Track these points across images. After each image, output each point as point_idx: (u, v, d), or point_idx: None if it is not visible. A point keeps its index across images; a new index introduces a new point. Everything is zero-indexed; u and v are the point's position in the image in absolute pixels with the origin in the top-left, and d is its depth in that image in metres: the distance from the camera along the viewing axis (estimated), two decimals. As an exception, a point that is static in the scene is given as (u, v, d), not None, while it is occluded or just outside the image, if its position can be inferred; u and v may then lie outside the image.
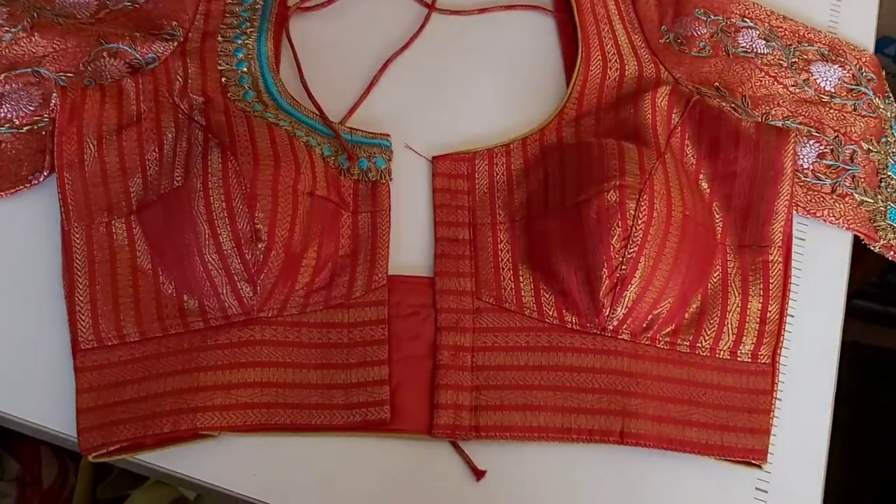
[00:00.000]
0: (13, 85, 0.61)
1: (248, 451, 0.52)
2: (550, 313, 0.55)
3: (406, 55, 0.67)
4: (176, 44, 0.63)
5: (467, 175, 0.60)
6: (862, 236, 0.62)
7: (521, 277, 0.56)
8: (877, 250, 0.62)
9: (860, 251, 0.63)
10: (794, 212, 0.61)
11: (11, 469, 0.88)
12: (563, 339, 0.54)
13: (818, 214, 0.61)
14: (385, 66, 0.66)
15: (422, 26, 0.68)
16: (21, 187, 0.58)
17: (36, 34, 0.62)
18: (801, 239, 0.61)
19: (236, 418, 0.51)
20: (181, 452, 0.52)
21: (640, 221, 0.52)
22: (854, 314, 1.16)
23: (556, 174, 0.58)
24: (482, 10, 0.69)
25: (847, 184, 0.63)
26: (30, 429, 0.54)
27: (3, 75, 0.61)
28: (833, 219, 0.61)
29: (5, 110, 0.60)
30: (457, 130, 0.63)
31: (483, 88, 0.66)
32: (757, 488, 0.54)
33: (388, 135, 0.61)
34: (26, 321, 0.55)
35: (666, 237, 0.53)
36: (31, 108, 0.60)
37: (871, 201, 0.63)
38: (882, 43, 1.03)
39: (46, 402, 0.53)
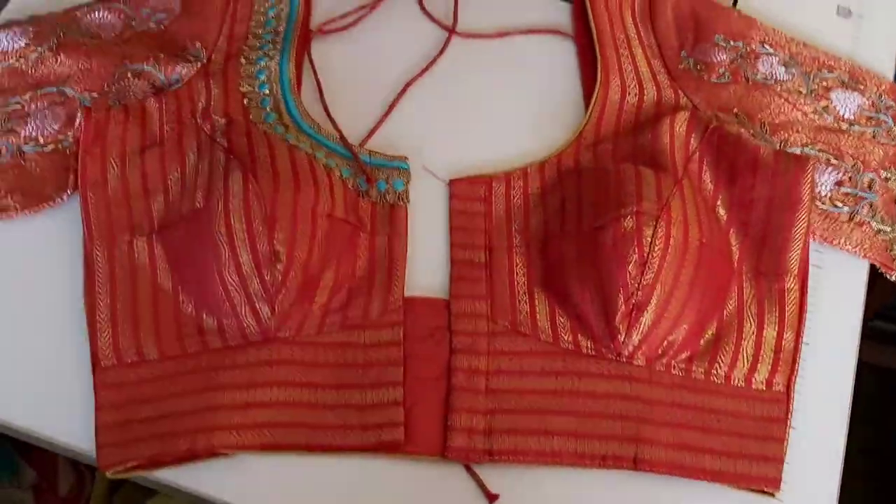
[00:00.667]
0: (39, 104, 0.62)
1: (264, 470, 0.53)
2: (566, 338, 0.55)
3: (426, 78, 0.67)
4: (199, 65, 0.64)
5: (484, 198, 0.61)
6: (879, 265, 0.62)
7: (536, 301, 0.56)
8: (893, 279, 0.62)
9: (878, 273, 0.63)
10: (812, 239, 0.61)
11: (28, 477, 0.89)
12: (578, 364, 0.54)
13: (835, 242, 0.61)
14: (405, 89, 0.66)
15: (442, 50, 0.69)
16: (45, 205, 0.59)
17: (62, 54, 0.63)
18: (818, 266, 0.61)
19: (253, 438, 0.52)
20: (197, 470, 0.52)
21: (656, 248, 0.53)
22: (873, 336, 1.16)
23: (574, 199, 0.58)
24: (502, 34, 0.70)
25: (864, 212, 0.63)
26: (49, 444, 0.54)
27: (28, 94, 0.62)
28: (850, 247, 0.61)
29: (31, 129, 0.61)
30: (475, 154, 0.64)
31: (502, 112, 0.66)
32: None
33: (406, 157, 0.62)
34: (48, 338, 0.56)
35: (682, 264, 0.53)
36: (56, 127, 0.61)
37: (889, 230, 0.62)
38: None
39: (66, 418, 0.53)
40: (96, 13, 0.67)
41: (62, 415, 0.53)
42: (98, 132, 0.59)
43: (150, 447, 0.51)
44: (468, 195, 0.61)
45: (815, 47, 0.70)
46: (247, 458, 0.52)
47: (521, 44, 0.70)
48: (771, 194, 0.59)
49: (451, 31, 0.70)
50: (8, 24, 0.65)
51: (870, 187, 0.64)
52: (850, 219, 0.62)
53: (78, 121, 0.59)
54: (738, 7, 0.73)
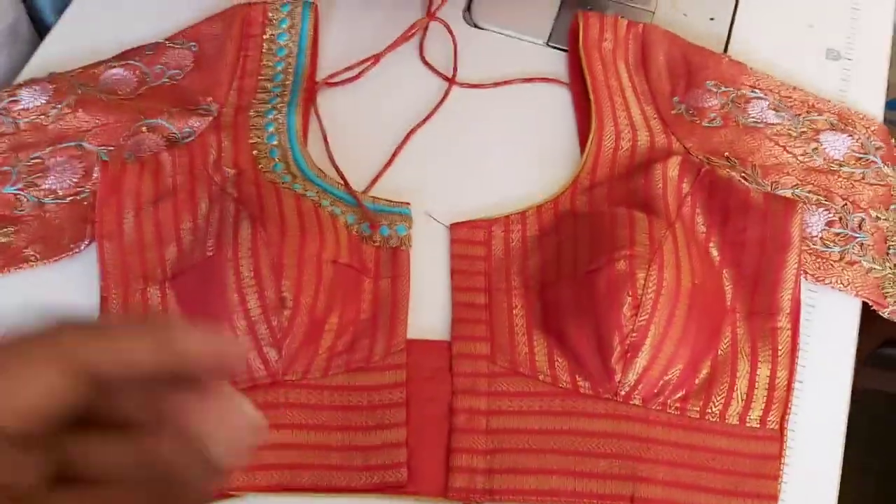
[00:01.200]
0: (58, 158, 0.65)
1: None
2: (564, 378, 0.57)
3: (427, 127, 0.70)
4: (211, 118, 0.67)
5: (484, 241, 0.63)
6: (871, 302, 0.63)
7: (535, 342, 0.58)
8: (886, 315, 0.63)
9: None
10: (804, 279, 0.62)
11: None
12: (576, 404, 0.56)
13: (827, 281, 0.63)
14: (407, 137, 0.69)
15: (442, 99, 0.71)
16: (63, 255, 0.62)
17: (80, 110, 0.66)
18: (811, 306, 0.63)
19: (262, 479, 0.53)
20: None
21: (649, 290, 0.54)
22: (884, 364, 1.16)
23: (570, 242, 0.61)
24: (500, 83, 0.73)
25: (856, 251, 0.64)
26: None
27: (49, 149, 0.65)
28: (842, 286, 0.63)
29: (50, 182, 0.64)
30: (475, 198, 0.66)
31: (501, 158, 0.69)
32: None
33: (408, 203, 0.64)
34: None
35: (675, 305, 0.55)
36: (75, 180, 0.64)
37: (880, 268, 0.64)
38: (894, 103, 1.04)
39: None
40: (113, 70, 0.70)
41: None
42: (114, 184, 0.61)
43: None
44: (468, 239, 0.63)
45: (804, 91, 0.72)
46: (254, 500, 0.54)
47: (518, 92, 0.73)
48: (762, 236, 0.61)
49: (452, 81, 0.72)
50: (29, 82, 0.68)
51: (860, 227, 0.65)
52: (842, 258, 0.64)
53: (95, 174, 0.62)
54: (728, 52, 0.76)
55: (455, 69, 0.73)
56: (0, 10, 0.72)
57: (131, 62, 0.70)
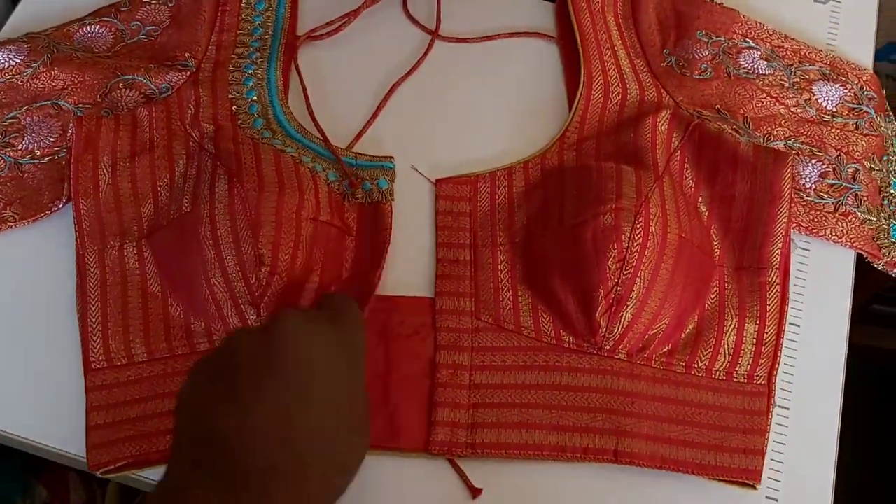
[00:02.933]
0: (34, 117, 0.64)
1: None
2: (548, 333, 0.56)
3: (412, 81, 0.68)
4: (189, 74, 0.65)
5: (469, 197, 0.62)
6: (865, 254, 0.62)
7: (519, 298, 0.57)
8: (880, 268, 0.62)
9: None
10: (797, 231, 0.61)
11: (40, 495, 0.91)
12: (560, 359, 0.55)
13: (821, 234, 0.62)
14: (390, 92, 0.67)
15: (425, 53, 0.70)
16: (42, 214, 0.61)
17: (56, 68, 0.65)
18: (805, 259, 0.62)
19: None
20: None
21: (635, 243, 0.53)
22: (874, 320, 1.16)
23: (556, 197, 0.59)
24: (485, 38, 0.71)
25: (850, 202, 0.63)
26: (49, 453, 0.56)
27: (24, 108, 0.64)
28: (836, 238, 0.62)
29: (27, 142, 0.63)
30: (461, 154, 0.65)
31: (487, 113, 0.67)
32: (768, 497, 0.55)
33: (391, 157, 0.63)
34: (46, 345, 0.57)
35: (661, 259, 0.54)
36: (52, 140, 0.63)
37: (874, 219, 0.63)
38: (888, 49, 1.02)
39: (66, 427, 0.55)
40: (88, 27, 0.68)
41: (59, 421, 0.55)
42: (89, 140, 0.60)
43: (138, 447, 0.52)
44: (454, 195, 0.62)
45: (796, 40, 0.71)
46: None
47: (504, 46, 0.71)
48: (751, 189, 0.60)
49: (434, 34, 0.71)
50: (3, 43, 0.67)
51: (854, 178, 0.64)
52: (836, 210, 0.63)
53: (70, 131, 0.60)
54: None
55: (438, 21, 0.71)
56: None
57: (106, 19, 0.69)
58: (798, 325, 0.60)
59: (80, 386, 0.55)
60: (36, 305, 0.59)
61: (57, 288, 0.59)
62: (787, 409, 0.57)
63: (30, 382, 0.56)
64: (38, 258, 0.60)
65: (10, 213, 0.61)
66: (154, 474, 0.53)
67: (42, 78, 0.65)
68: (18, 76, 0.65)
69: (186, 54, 0.66)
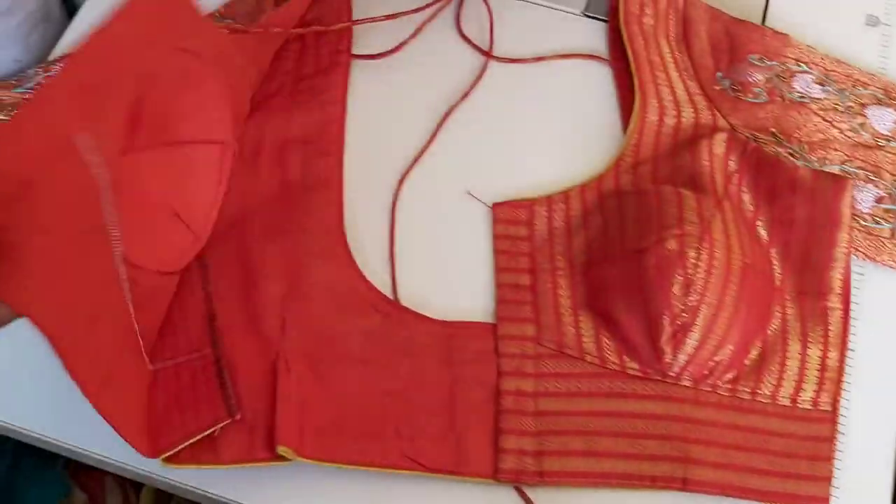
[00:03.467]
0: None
1: (314, 485, 0.54)
2: (611, 359, 0.56)
3: (466, 103, 0.69)
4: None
5: (526, 222, 0.62)
6: (922, 280, 0.62)
7: (581, 323, 0.57)
8: (937, 294, 0.62)
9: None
10: (854, 256, 0.61)
11: (79, 499, 0.91)
12: (625, 386, 0.55)
13: (878, 259, 0.62)
14: (445, 116, 0.68)
15: (479, 75, 0.70)
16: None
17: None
18: (860, 284, 0.62)
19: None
20: (246, 479, 0.53)
21: (700, 270, 0.53)
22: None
23: (615, 221, 0.59)
24: (539, 59, 0.71)
25: (906, 228, 0.63)
26: (95, 460, 0.56)
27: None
28: (893, 263, 0.62)
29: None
30: (515, 178, 0.65)
31: (542, 136, 0.67)
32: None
33: None
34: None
35: (726, 285, 0.54)
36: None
37: (931, 245, 0.63)
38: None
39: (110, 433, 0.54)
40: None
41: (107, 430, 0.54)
42: None
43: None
44: (511, 219, 0.62)
45: (848, 64, 0.71)
46: (299, 470, 0.53)
47: (558, 68, 0.71)
48: (811, 214, 0.60)
49: (488, 55, 0.71)
50: (64, 58, 0.67)
51: (910, 203, 0.64)
52: (892, 235, 0.63)
53: None
54: (766, 22, 0.74)
55: (491, 42, 0.72)
56: (32, -13, 0.71)
57: (166, 39, 0.69)
58: (854, 350, 0.59)
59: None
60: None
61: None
62: (843, 434, 0.57)
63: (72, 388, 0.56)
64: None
65: None
66: (218, 489, 0.53)
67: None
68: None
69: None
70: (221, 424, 0.51)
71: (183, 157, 0.55)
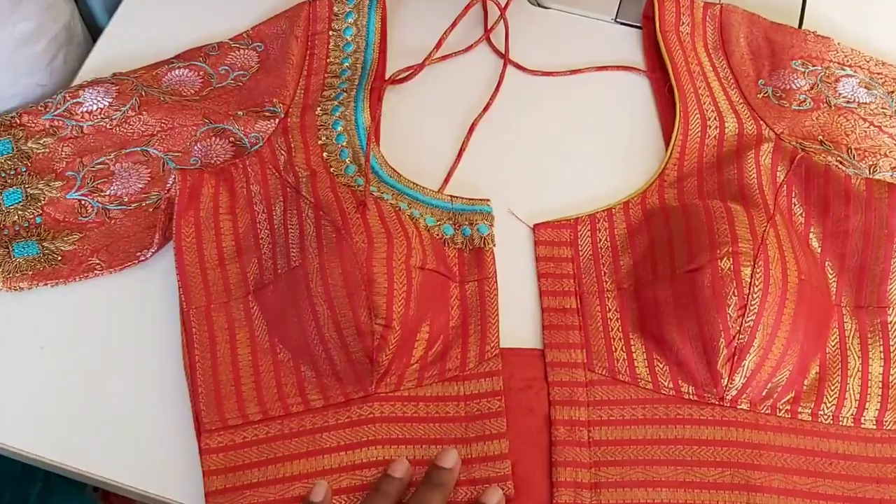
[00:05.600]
0: (123, 164, 0.63)
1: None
2: (666, 384, 0.54)
3: (502, 117, 0.67)
4: (277, 121, 0.64)
5: (570, 242, 0.60)
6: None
7: (633, 347, 0.55)
8: None
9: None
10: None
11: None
12: (681, 411, 0.53)
13: (935, 270, 0.60)
14: (472, 128, 0.66)
15: (499, 84, 0.68)
16: (129, 263, 0.60)
17: (144, 113, 0.64)
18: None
19: (356, 499, 0.51)
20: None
21: (756, 289, 0.51)
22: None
23: (663, 239, 0.58)
24: (574, 72, 0.69)
25: (962, 236, 0.61)
26: (121, 489, 0.54)
27: (113, 154, 0.63)
28: (950, 274, 0.60)
29: (115, 187, 0.62)
30: (555, 193, 0.63)
31: (579, 150, 0.66)
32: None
33: (488, 200, 0.61)
34: (149, 397, 0.56)
35: (783, 303, 0.52)
36: (140, 186, 0.62)
37: None
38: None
39: (171, 477, 0.53)
40: (176, 70, 0.67)
41: (169, 474, 0.53)
42: (192, 196, 0.59)
43: None
44: (553, 240, 0.60)
45: (893, 66, 0.69)
46: None
47: (594, 80, 0.69)
48: (866, 225, 0.58)
49: (506, 60, 0.69)
50: (92, 83, 0.66)
51: (965, 211, 0.62)
52: (947, 244, 0.60)
53: (170, 183, 0.59)
54: (804, 25, 0.72)
55: (507, 49, 0.70)
56: (56, 10, 0.69)
57: (195, 63, 0.68)
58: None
59: (189, 438, 0.54)
60: (137, 353, 0.57)
61: (152, 340, 0.57)
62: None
63: (139, 433, 0.55)
64: (129, 308, 0.59)
65: (97, 261, 0.60)
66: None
67: (131, 122, 0.64)
68: (107, 119, 0.64)
69: (275, 100, 0.65)
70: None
71: None
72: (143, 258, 0.60)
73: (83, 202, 0.62)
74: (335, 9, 0.69)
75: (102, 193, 0.62)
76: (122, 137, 0.64)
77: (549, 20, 0.73)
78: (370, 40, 0.68)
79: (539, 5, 0.74)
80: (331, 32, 0.68)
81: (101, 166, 0.63)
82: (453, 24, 0.69)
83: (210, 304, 0.57)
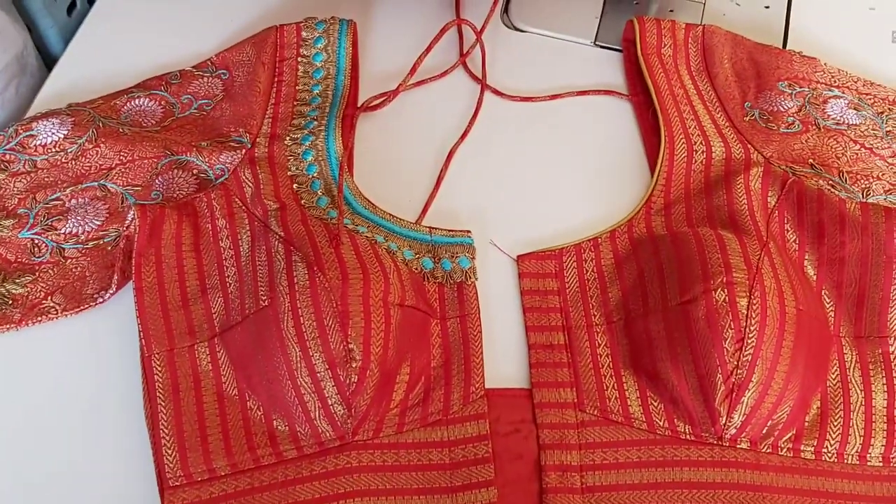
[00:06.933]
0: (79, 199, 0.59)
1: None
2: (661, 424, 0.51)
3: (481, 144, 0.64)
4: (244, 151, 0.60)
5: (555, 274, 0.57)
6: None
7: (625, 385, 0.52)
8: None
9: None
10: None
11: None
12: (678, 452, 0.50)
13: (933, 295, 0.57)
14: (449, 157, 0.63)
15: (476, 109, 0.66)
16: (86, 306, 0.56)
17: (102, 145, 0.61)
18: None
19: None
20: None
21: (753, 321, 0.49)
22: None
23: (653, 269, 0.55)
24: (554, 97, 0.67)
25: (959, 261, 0.59)
26: None
27: (69, 189, 0.60)
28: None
29: (71, 225, 0.58)
30: (539, 222, 0.60)
31: (562, 177, 0.63)
32: None
33: (469, 231, 0.58)
34: (108, 452, 0.51)
35: (782, 335, 0.49)
36: (97, 223, 0.59)
37: None
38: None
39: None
40: (136, 100, 0.64)
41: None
42: (153, 233, 0.55)
43: None
44: (538, 272, 0.57)
45: (883, 86, 0.67)
46: None
47: (575, 105, 0.67)
48: (863, 252, 0.56)
49: (483, 86, 0.67)
50: (46, 114, 0.62)
51: (960, 234, 0.60)
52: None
53: (130, 219, 0.55)
54: (788, 45, 0.70)
55: (484, 74, 0.68)
56: (7, 39, 0.66)
57: (156, 92, 0.64)
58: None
59: (153, 499, 0.49)
60: (94, 405, 0.53)
61: (109, 388, 0.53)
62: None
63: (99, 495, 0.50)
64: (86, 354, 0.55)
65: (52, 304, 0.56)
66: None
67: (88, 156, 0.60)
68: (62, 153, 0.61)
69: (241, 130, 0.61)
70: None
71: None
72: (100, 300, 0.56)
73: (36, 241, 0.58)
74: (304, 34, 0.66)
75: (57, 232, 0.58)
76: (78, 171, 0.60)
77: (526, 44, 0.71)
78: (341, 66, 0.65)
79: (516, 29, 0.72)
80: (300, 59, 0.65)
81: (56, 202, 0.59)
82: (428, 49, 0.67)
83: (173, 349, 0.53)
